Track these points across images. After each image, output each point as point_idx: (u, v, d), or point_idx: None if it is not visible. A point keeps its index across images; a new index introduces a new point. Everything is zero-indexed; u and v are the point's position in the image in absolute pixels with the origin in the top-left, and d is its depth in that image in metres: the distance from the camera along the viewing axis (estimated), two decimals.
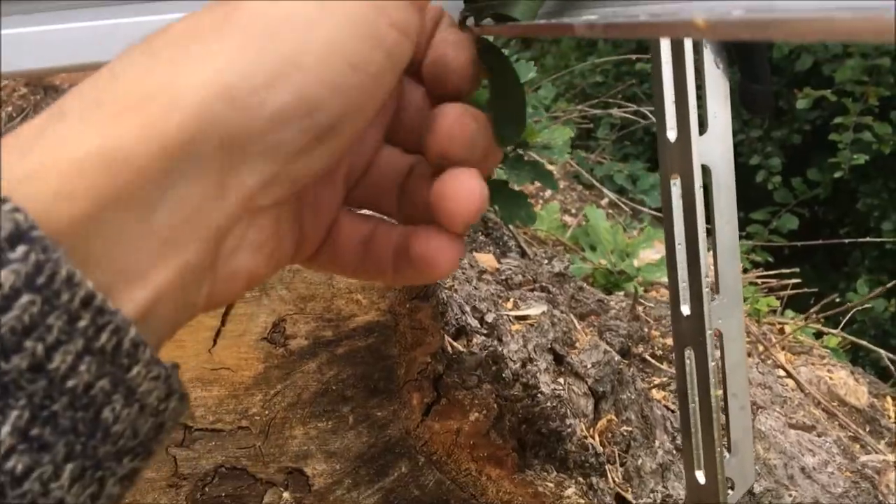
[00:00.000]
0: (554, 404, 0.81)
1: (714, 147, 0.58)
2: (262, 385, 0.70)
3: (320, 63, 0.28)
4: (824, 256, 3.91)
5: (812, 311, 2.13)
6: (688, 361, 0.61)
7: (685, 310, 0.61)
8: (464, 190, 0.32)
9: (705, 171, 0.58)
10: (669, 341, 1.19)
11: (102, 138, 0.25)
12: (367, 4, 0.29)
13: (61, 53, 0.42)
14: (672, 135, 0.59)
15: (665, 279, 1.70)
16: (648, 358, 1.10)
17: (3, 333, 0.21)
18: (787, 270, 2.22)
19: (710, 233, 0.60)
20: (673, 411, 1.03)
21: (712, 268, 0.60)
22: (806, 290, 2.13)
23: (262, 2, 0.28)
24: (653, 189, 3.08)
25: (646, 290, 1.69)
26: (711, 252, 0.61)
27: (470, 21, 0.40)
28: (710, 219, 0.60)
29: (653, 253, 1.74)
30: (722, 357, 0.61)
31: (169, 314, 0.27)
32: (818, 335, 2.04)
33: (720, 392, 0.60)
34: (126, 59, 0.27)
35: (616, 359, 1.00)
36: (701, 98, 0.57)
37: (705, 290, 0.59)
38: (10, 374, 0.22)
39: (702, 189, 0.58)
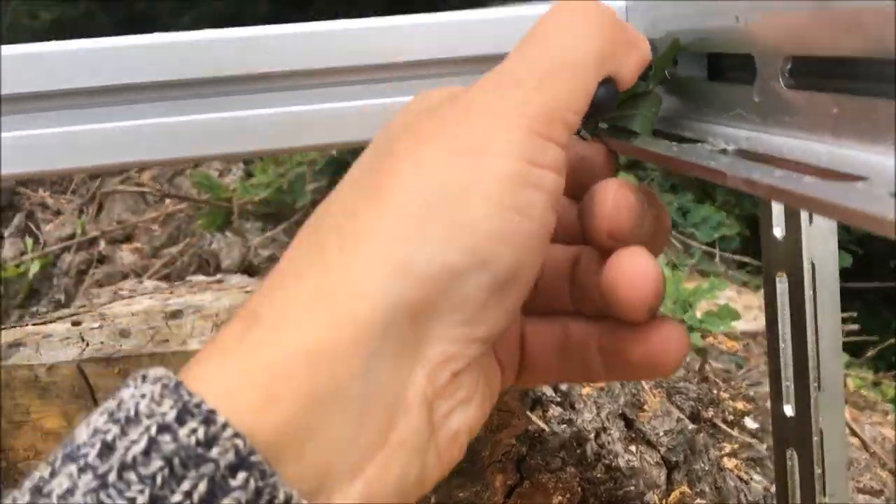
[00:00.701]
0: (634, 483, 0.79)
1: (821, 241, 0.57)
2: None
3: (485, 217, 0.28)
4: (878, 296, 3.82)
5: (868, 354, 2.08)
6: (789, 463, 0.60)
7: (788, 410, 0.59)
8: (637, 270, 0.30)
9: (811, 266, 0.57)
10: (740, 405, 1.17)
11: (300, 339, 0.25)
12: (514, 159, 0.29)
13: (61, 156, 0.41)
14: (779, 231, 0.57)
15: (727, 329, 1.67)
16: (719, 423, 1.08)
17: None
18: (845, 315, 2.17)
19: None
20: (746, 482, 1.01)
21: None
22: (866, 337, 2.08)
23: (408, 175, 0.28)
24: (703, 223, 3.03)
25: (703, 336, 1.66)
26: (812, 348, 0.59)
27: (583, 132, 0.39)
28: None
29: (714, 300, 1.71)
30: (822, 457, 0.59)
31: (391, 493, 0.27)
32: (876, 383, 1.98)
33: (825, 500, 0.58)
34: (301, 254, 0.28)
35: (689, 427, 0.98)
36: None
37: (813, 395, 0.57)
38: None
39: (812, 287, 0.57)
